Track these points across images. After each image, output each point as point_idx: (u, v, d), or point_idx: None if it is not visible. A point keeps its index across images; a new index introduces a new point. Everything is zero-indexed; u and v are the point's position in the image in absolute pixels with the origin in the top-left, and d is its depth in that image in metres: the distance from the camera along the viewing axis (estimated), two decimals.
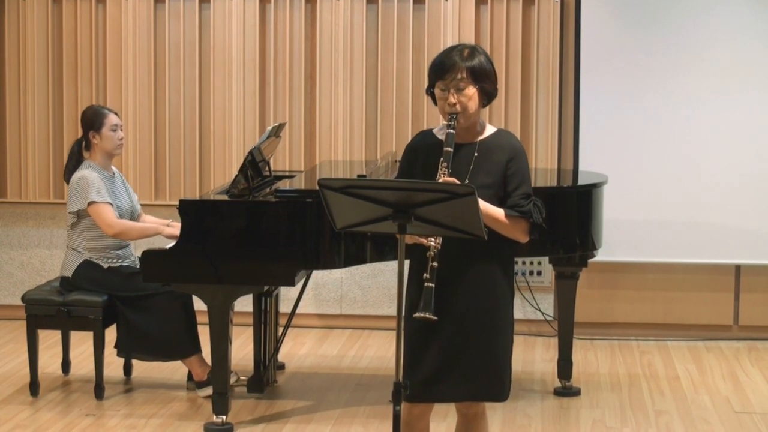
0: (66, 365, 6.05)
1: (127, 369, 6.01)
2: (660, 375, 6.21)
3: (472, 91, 3.74)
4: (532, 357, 6.57)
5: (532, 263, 7.02)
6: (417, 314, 3.58)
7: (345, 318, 7.23)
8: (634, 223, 6.83)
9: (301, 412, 5.50)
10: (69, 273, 5.67)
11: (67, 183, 5.73)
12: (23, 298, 5.69)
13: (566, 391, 5.82)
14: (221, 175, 7.09)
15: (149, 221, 5.92)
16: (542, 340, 6.93)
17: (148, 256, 5.15)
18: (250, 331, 6.00)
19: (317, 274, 6.99)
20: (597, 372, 6.27)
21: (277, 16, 7.11)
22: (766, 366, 6.41)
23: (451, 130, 3.71)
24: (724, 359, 6.56)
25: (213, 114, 7.14)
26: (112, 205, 5.62)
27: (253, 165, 5.36)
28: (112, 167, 5.83)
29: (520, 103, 6.97)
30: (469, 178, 3.73)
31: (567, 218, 5.58)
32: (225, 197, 5.33)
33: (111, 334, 5.68)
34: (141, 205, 6.00)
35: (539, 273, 7.04)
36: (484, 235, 3.52)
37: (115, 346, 5.70)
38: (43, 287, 5.79)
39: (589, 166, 6.55)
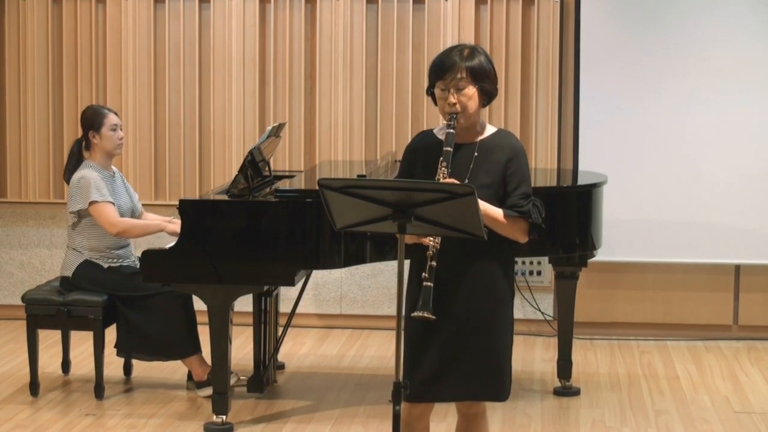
0: (66, 365, 6.05)
1: (127, 369, 6.02)
2: (660, 375, 6.22)
3: (471, 90, 3.74)
4: (531, 357, 6.57)
5: (531, 263, 7.02)
6: (415, 313, 3.59)
7: (345, 318, 7.23)
8: (633, 223, 6.84)
9: (300, 412, 5.51)
10: (69, 273, 5.67)
11: (67, 183, 5.73)
12: (23, 298, 5.69)
13: (566, 390, 5.83)
14: (221, 175, 7.09)
15: (151, 218, 5.92)
16: (542, 339, 6.93)
17: (148, 256, 5.16)
18: (250, 330, 6.00)
19: (317, 274, 6.99)
20: (597, 372, 6.27)
21: (277, 16, 7.11)
22: (766, 366, 6.41)
23: (451, 130, 3.72)
24: (723, 359, 6.56)
25: (213, 114, 7.14)
26: (113, 204, 5.62)
27: (253, 165, 5.36)
28: (112, 167, 5.84)
29: (519, 103, 6.97)
30: (469, 178, 3.73)
31: (567, 218, 5.58)
32: (225, 197, 5.33)
33: (111, 333, 5.68)
34: (141, 204, 6.00)
35: (539, 273, 7.04)
36: (484, 235, 3.53)
37: (115, 346, 5.70)
38: (43, 287, 5.79)
39: (589, 166, 6.56)
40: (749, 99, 6.77)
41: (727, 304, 7.02)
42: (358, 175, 5.56)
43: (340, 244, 5.13)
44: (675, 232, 6.85)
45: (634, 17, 6.80)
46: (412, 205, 3.45)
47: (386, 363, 6.39)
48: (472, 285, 3.76)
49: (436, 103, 3.81)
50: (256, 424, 5.33)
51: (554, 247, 5.62)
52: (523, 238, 3.80)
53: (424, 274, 3.60)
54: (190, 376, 5.79)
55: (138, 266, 5.63)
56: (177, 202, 5.25)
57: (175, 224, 5.67)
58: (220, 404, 5.18)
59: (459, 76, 3.73)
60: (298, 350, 6.68)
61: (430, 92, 3.83)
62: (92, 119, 5.72)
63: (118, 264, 5.69)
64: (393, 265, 6.31)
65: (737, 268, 6.99)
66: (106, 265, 5.66)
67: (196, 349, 5.66)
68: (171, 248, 5.15)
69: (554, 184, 6.12)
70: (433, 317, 3.59)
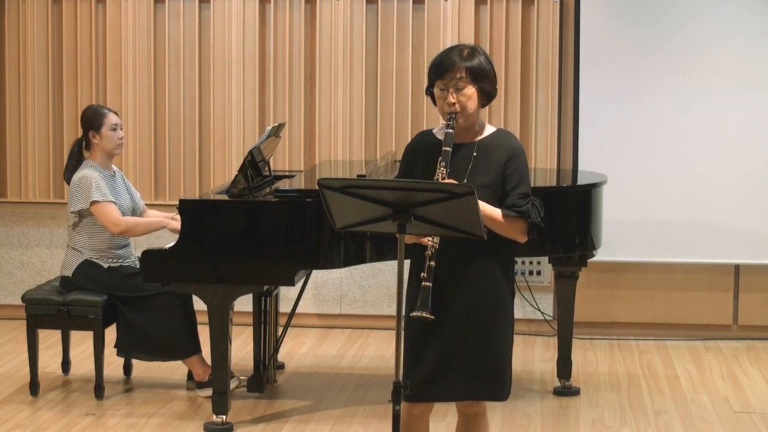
0: (66, 365, 6.06)
1: (127, 369, 6.02)
2: (659, 375, 6.22)
3: (471, 90, 3.75)
4: (531, 356, 6.58)
5: (531, 263, 7.02)
6: (414, 313, 3.59)
7: (345, 318, 7.23)
8: (633, 222, 6.84)
9: (300, 412, 5.51)
10: (69, 272, 5.67)
11: (68, 183, 5.73)
12: (23, 298, 5.70)
13: (566, 390, 5.83)
14: (221, 175, 7.09)
15: (153, 215, 5.92)
16: (542, 339, 6.93)
17: (148, 255, 5.16)
18: (249, 330, 6.00)
19: (317, 274, 7.00)
20: (596, 372, 6.27)
21: (276, 16, 7.11)
22: (765, 366, 6.42)
23: (450, 130, 3.72)
24: (723, 359, 6.56)
25: (213, 114, 7.15)
26: (115, 203, 5.62)
27: (253, 165, 5.36)
28: (113, 166, 5.84)
29: (519, 103, 6.97)
30: (468, 178, 3.73)
31: (566, 218, 5.59)
32: (225, 197, 5.33)
33: (111, 333, 5.69)
34: (143, 202, 6.00)
35: (539, 273, 7.05)
36: (484, 235, 3.53)
37: (115, 346, 5.70)
38: (43, 287, 5.80)
39: (589, 166, 6.56)
40: (749, 99, 6.77)
41: (727, 304, 7.02)
42: (358, 175, 5.56)
43: (340, 244, 5.13)
44: (675, 232, 6.85)
45: (634, 17, 6.80)
46: (412, 205, 3.45)
47: (386, 363, 6.39)
48: (472, 285, 3.76)
49: (435, 103, 3.82)
50: (256, 424, 5.33)
51: (554, 247, 5.62)
52: (522, 238, 3.80)
53: (422, 274, 3.60)
54: (190, 376, 5.80)
55: (138, 266, 5.63)
56: (177, 202, 5.25)
57: (178, 221, 5.66)
58: (220, 404, 5.18)
59: (458, 75, 3.73)
60: (297, 350, 6.69)
61: (430, 92, 3.83)
62: (92, 119, 5.72)
63: (118, 264, 5.69)
64: (393, 265, 6.32)
65: (737, 268, 6.99)
66: (106, 265, 5.66)
67: (197, 349, 5.66)
68: (171, 248, 5.15)
69: (554, 184, 6.12)
70: (432, 317, 3.59)
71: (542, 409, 5.59)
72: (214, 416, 5.20)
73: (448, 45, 3.95)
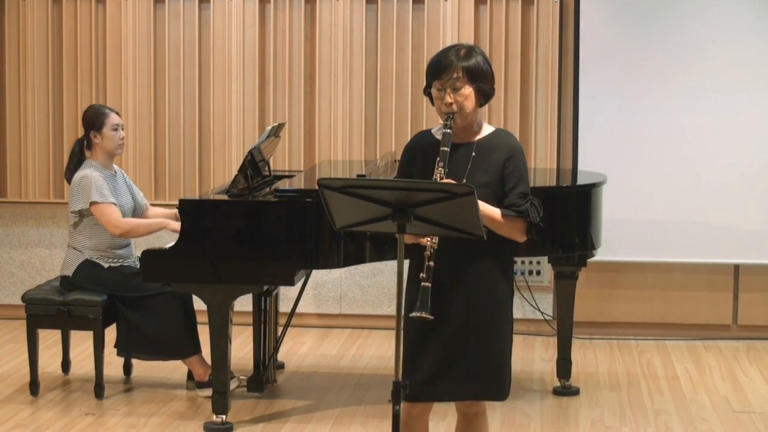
0: (66, 365, 6.06)
1: (127, 368, 6.02)
2: (659, 374, 6.22)
3: (468, 90, 3.75)
4: (531, 356, 6.58)
5: (531, 263, 7.02)
6: (413, 314, 3.59)
7: (344, 317, 7.23)
8: (633, 222, 6.84)
9: (300, 412, 5.51)
10: (69, 272, 5.68)
11: (68, 182, 5.73)
12: (23, 298, 5.70)
13: (565, 390, 5.83)
14: (221, 174, 7.10)
15: (156, 214, 5.92)
16: (541, 339, 6.93)
17: (148, 255, 5.16)
18: (249, 330, 6.01)
19: (317, 274, 7.00)
20: (596, 371, 6.28)
21: (276, 16, 7.12)
22: (765, 365, 6.42)
23: (448, 130, 3.72)
24: (722, 359, 6.57)
25: (213, 114, 7.15)
26: (116, 204, 5.62)
27: (253, 165, 5.37)
28: (114, 165, 5.84)
29: (519, 102, 6.97)
30: (467, 178, 3.74)
31: (566, 218, 5.59)
32: (225, 197, 5.34)
33: (111, 333, 5.69)
34: (146, 200, 6.00)
35: (538, 272, 7.05)
36: (484, 234, 3.53)
37: (115, 346, 5.70)
38: (43, 287, 5.80)
39: (588, 166, 6.56)
40: (749, 99, 6.77)
41: (727, 303, 7.03)
42: (358, 175, 5.57)
43: (340, 244, 5.14)
44: (674, 231, 6.85)
45: (634, 17, 6.80)
46: (412, 204, 3.45)
47: (386, 363, 6.39)
48: (471, 285, 3.76)
49: (433, 103, 3.82)
50: (256, 424, 5.33)
51: (554, 247, 5.62)
52: (521, 238, 3.80)
53: (422, 274, 3.61)
54: (190, 376, 5.80)
55: (138, 266, 5.63)
56: (177, 202, 5.25)
57: (179, 221, 5.66)
58: (219, 404, 5.19)
59: (455, 75, 3.73)
60: (297, 350, 6.69)
61: (428, 92, 3.83)
62: (94, 119, 5.72)
63: (118, 264, 5.70)
64: (392, 264, 6.32)
65: (736, 267, 6.99)
66: (106, 265, 5.67)
67: (197, 349, 5.67)
68: (171, 248, 5.16)
69: (554, 183, 6.12)
70: (431, 317, 3.59)
71: (542, 409, 5.59)
72: (214, 416, 5.20)
73: (448, 45, 3.95)
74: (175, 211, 5.84)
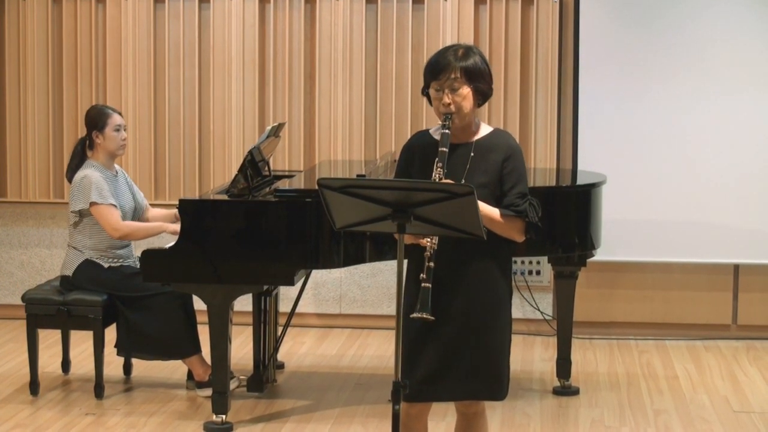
0: (66, 364, 6.06)
1: (127, 368, 6.02)
2: (659, 374, 6.22)
3: (466, 90, 3.75)
4: (531, 356, 6.58)
5: (531, 263, 7.03)
6: (414, 314, 3.59)
7: (344, 317, 7.24)
8: (632, 222, 6.85)
9: (300, 412, 5.51)
10: (69, 272, 5.68)
11: (70, 182, 5.74)
12: (23, 298, 5.70)
13: (565, 390, 5.83)
14: (221, 174, 7.10)
15: (155, 215, 5.93)
16: (541, 339, 6.94)
17: (148, 255, 5.16)
18: (249, 330, 6.01)
19: (317, 274, 7.00)
20: (596, 371, 6.28)
21: (276, 16, 7.12)
22: (765, 365, 6.42)
23: (447, 131, 3.72)
24: (722, 358, 6.57)
25: (213, 114, 7.15)
26: (115, 206, 5.62)
27: (253, 165, 5.37)
28: (115, 166, 5.84)
29: (519, 103, 6.98)
30: (466, 178, 3.74)
31: (566, 218, 5.59)
32: (225, 197, 5.34)
33: (111, 333, 5.69)
34: (146, 201, 6.00)
35: (538, 272, 7.05)
36: (484, 235, 3.53)
37: (115, 346, 5.71)
38: (43, 287, 5.80)
39: (588, 166, 6.56)
40: (749, 99, 6.77)
41: (726, 303, 7.03)
42: (358, 175, 5.57)
43: (340, 244, 5.14)
44: (674, 231, 6.85)
45: (634, 17, 6.80)
46: (412, 204, 3.46)
47: (385, 362, 6.39)
48: (470, 285, 3.77)
49: (431, 104, 3.82)
50: (256, 424, 5.33)
51: (553, 247, 5.63)
52: (519, 238, 3.80)
53: (422, 275, 3.61)
54: (190, 376, 5.80)
55: (138, 266, 5.63)
56: (177, 202, 5.26)
57: (178, 224, 5.66)
58: (219, 404, 5.19)
59: (453, 76, 3.74)
60: (297, 350, 6.69)
61: (426, 93, 3.83)
62: (96, 119, 5.72)
63: (118, 264, 5.70)
64: (392, 264, 6.32)
65: (736, 267, 7.00)
66: (106, 265, 5.67)
67: (197, 349, 5.67)
68: (171, 248, 5.16)
69: (553, 183, 6.12)
70: (432, 318, 3.59)
71: (542, 409, 5.59)
72: (214, 416, 5.20)
73: (448, 45, 3.95)
74: (174, 212, 5.85)
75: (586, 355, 6.62)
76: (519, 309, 6.96)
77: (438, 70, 3.75)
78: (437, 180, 3.64)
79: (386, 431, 4.53)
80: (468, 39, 6.87)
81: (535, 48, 6.95)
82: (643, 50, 6.80)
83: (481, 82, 3.78)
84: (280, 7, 7.11)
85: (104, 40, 7.18)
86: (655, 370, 6.30)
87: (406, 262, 3.63)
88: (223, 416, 5.19)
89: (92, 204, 5.58)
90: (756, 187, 6.80)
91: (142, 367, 6.08)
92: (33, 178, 7.24)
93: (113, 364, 5.97)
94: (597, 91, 6.84)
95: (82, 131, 5.80)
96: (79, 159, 5.75)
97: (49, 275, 7.02)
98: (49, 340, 6.48)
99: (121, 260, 5.72)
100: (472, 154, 3.79)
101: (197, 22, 7.14)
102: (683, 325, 7.03)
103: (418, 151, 3.85)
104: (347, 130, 7.07)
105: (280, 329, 6.02)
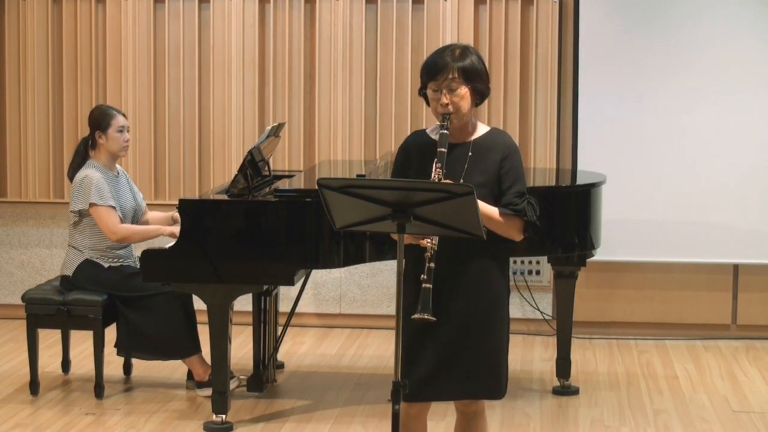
0: (66, 364, 6.06)
1: (127, 368, 6.02)
2: (658, 374, 6.23)
3: (464, 91, 3.75)
4: (530, 356, 6.58)
5: (530, 263, 7.03)
6: (415, 315, 3.58)
7: (344, 317, 7.24)
8: (632, 222, 6.85)
9: (300, 411, 5.52)
10: (69, 272, 5.68)
11: (71, 180, 5.74)
12: (23, 298, 5.70)
13: (565, 390, 5.84)
14: (221, 174, 7.10)
15: (153, 218, 5.93)
16: (541, 339, 6.94)
17: (148, 255, 5.17)
18: (249, 330, 6.01)
19: (316, 274, 7.00)
20: (595, 371, 6.28)
21: (276, 16, 7.12)
22: (764, 365, 6.42)
23: (445, 131, 3.73)
24: (722, 358, 6.57)
25: (212, 114, 7.16)
26: (114, 208, 5.62)
27: (253, 164, 5.37)
28: (117, 166, 5.85)
29: (518, 102, 6.98)
30: (464, 178, 3.74)
31: (565, 218, 5.59)
32: (224, 197, 5.34)
33: (111, 333, 5.69)
34: (145, 203, 6.00)
35: (538, 272, 7.05)
36: (483, 234, 3.53)
37: (115, 346, 5.71)
38: (43, 286, 5.80)
39: (588, 166, 6.56)
40: (749, 99, 6.77)
41: (726, 303, 7.03)
42: (358, 175, 5.57)
43: (340, 244, 5.14)
44: (674, 231, 6.86)
45: (634, 17, 6.81)
46: (412, 204, 3.46)
47: (385, 362, 6.40)
48: (469, 284, 3.77)
49: (428, 104, 3.82)
50: (256, 424, 5.33)
51: (553, 247, 5.63)
52: (518, 236, 3.81)
53: (422, 276, 3.60)
54: (189, 375, 5.81)
55: (138, 266, 5.63)
56: (177, 202, 5.26)
57: (174, 226, 5.67)
58: (219, 403, 5.19)
59: (451, 76, 3.74)
60: (297, 349, 6.69)
61: (423, 93, 3.83)
62: (100, 119, 5.72)
63: (118, 264, 5.70)
64: (392, 264, 6.32)
65: (736, 267, 7.00)
66: (106, 265, 5.67)
67: (196, 348, 5.67)
68: (171, 248, 5.16)
69: (553, 183, 6.12)
70: (434, 319, 3.59)
71: (541, 409, 5.59)
72: (214, 416, 5.20)
73: (444, 45, 3.95)
74: (172, 213, 5.86)
75: (585, 354, 6.62)
76: (519, 309, 6.96)
77: (435, 70, 3.75)
78: (437, 180, 3.64)
79: (386, 431, 4.53)
80: (468, 39, 6.87)
81: (535, 48, 6.95)
82: (643, 50, 6.80)
83: (478, 81, 3.78)
84: (280, 7, 7.12)
85: (104, 40, 7.18)
86: (655, 370, 6.30)
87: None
88: (223, 416, 5.20)
89: (91, 205, 5.58)
90: (756, 187, 6.80)
91: (142, 367, 6.09)
92: (33, 178, 7.24)
93: (113, 364, 5.97)
94: (597, 91, 6.84)
95: (82, 131, 5.81)
96: (81, 158, 5.76)
97: (49, 275, 7.02)
98: (49, 340, 6.49)
99: (121, 260, 5.72)
100: (470, 153, 3.80)
101: (197, 22, 7.14)
102: (683, 325, 7.04)
103: (416, 151, 3.85)
104: (347, 130, 7.08)
105: (280, 329, 6.02)
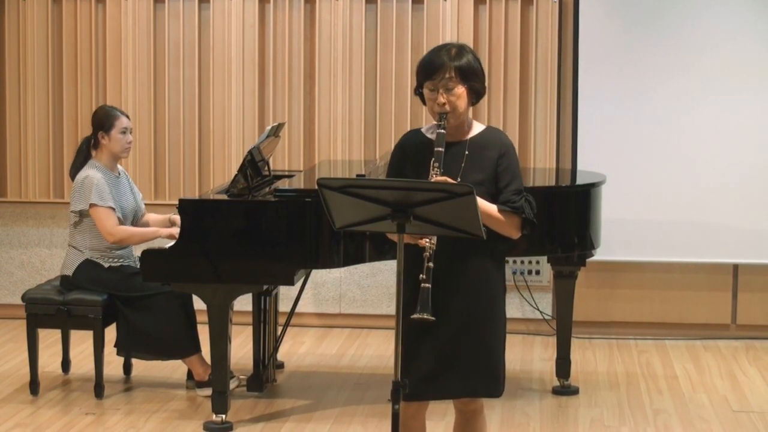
0: (66, 364, 6.06)
1: (127, 368, 6.03)
2: (658, 374, 6.23)
3: (461, 90, 3.75)
4: (530, 356, 6.58)
5: (530, 262, 7.03)
6: (415, 315, 3.58)
7: (344, 317, 7.24)
8: (632, 222, 6.85)
9: (300, 411, 5.52)
10: (69, 272, 5.68)
11: (72, 179, 5.74)
12: (23, 297, 5.70)
13: (564, 390, 5.84)
14: (221, 174, 7.10)
15: (151, 220, 5.93)
16: (541, 339, 6.94)
17: (148, 255, 5.17)
18: (249, 330, 6.01)
19: (316, 274, 7.00)
20: (595, 371, 6.28)
21: (276, 16, 7.12)
22: (764, 365, 6.43)
23: (442, 130, 3.73)
24: (722, 358, 6.57)
25: (212, 114, 7.16)
26: (114, 209, 5.62)
27: (253, 164, 5.37)
28: (118, 166, 5.85)
29: (518, 102, 6.98)
30: (462, 176, 3.74)
31: (565, 218, 5.59)
32: (224, 197, 5.34)
33: (111, 333, 5.70)
34: (144, 205, 6.00)
35: (538, 272, 7.05)
36: (483, 234, 3.54)
37: (115, 345, 5.71)
38: (43, 286, 5.81)
39: (588, 166, 6.57)
40: (749, 99, 6.78)
41: (726, 303, 7.03)
42: (357, 175, 5.58)
43: (340, 244, 5.14)
44: (674, 231, 6.86)
45: (633, 17, 6.81)
46: (411, 204, 3.46)
47: (385, 362, 6.40)
48: (468, 283, 3.77)
49: (424, 103, 3.82)
50: (256, 423, 5.34)
51: (553, 247, 5.63)
52: (516, 234, 3.81)
53: (421, 275, 3.61)
54: (189, 375, 5.81)
55: (138, 266, 5.64)
56: (177, 202, 5.26)
57: (171, 229, 5.67)
58: (219, 403, 5.19)
59: (448, 75, 3.74)
60: (297, 349, 6.69)
61: (419, 92, 3.83)
62: (103, 120, 5.72)
63: (118, 264, 5.70)
64: (392, 264, 6.30)
65: (735, 267, 7.00)
66: (106, 265, 5.67)
67: (196, 348, 5.67)
68: (171, 248, 5.16)
69: (553, 183, 6.13)
70: (433, 318, 3.59)
71: (541, 409, 5.59)
72: (214, 415, 5.21)
73: (439, 44, 3.94)
74: (169, 215, 5.87)
75: (585, 354, 6.62)
76: (518, 309, 6.97)
77: (432, 70, 3.75)
78: (434, 180, 3.64)
79: (386, 431, 4.53)
80: (467, 39, 6.87)
81: (535, 48, 6.95)
82: (643, 50, 6.80)
83: (475, 80, 3.78)
84: (280, 7, 7.12)
85: (104, 40, 7.18)
86: (655, 370, 6.30)
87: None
88: (223, 416, 5.20)
89: (91, 206, 5.58)
90: (756, 187, 6.81)
91: (142, 367, 6.09)
92: (33, 178, 7.24)
93: (113, 363, 5.97)
94: (597, 91, 6.84)
95: (82, 131, 5.82)
96: (83, 157, 5.76)
97: (49, 275, 7.02)
98: (49, 339, 6.49)
99: (121, 260, 5.72)
100: (466, 152, 3.80)
101: (197, 22, 7.14)
102: (683, 325, 7.04)
103: (411, 150, 3.85)
104: (347, 129, 7.08)
105: (279, 329, 6.03)
